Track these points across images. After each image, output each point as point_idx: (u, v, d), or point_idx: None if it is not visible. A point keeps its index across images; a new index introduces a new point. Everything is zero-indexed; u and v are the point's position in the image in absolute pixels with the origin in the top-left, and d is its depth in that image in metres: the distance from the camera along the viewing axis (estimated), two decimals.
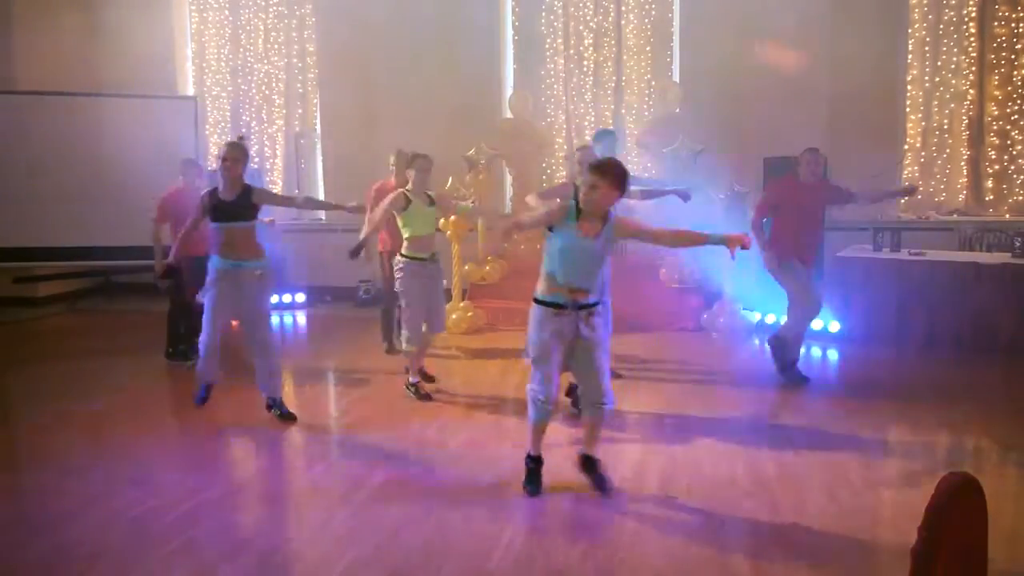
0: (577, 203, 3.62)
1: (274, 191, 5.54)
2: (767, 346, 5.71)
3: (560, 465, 4.19)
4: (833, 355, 6.58)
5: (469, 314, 7.57)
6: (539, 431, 3.80)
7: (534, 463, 3.83)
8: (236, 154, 4.74)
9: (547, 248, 3.67)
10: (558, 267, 3.60)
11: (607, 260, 3.72)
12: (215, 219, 4.74)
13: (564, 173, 8.73)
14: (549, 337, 3.61)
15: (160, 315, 6.61)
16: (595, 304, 3.67)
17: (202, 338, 4.94)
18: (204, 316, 4.87)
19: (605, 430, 4.71)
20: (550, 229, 3.63)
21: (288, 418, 4.89)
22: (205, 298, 4.83)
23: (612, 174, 3.55)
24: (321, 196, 9.94)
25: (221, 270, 4.76)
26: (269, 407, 4.95)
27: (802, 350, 5.83)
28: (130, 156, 8.86)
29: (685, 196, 5.49)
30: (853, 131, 7.97)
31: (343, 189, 9.57)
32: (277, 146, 9.98)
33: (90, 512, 3.68)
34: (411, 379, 5.34)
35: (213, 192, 4.78)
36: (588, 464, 3.82)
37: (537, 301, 3.68)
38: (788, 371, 5.60)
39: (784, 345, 5.58)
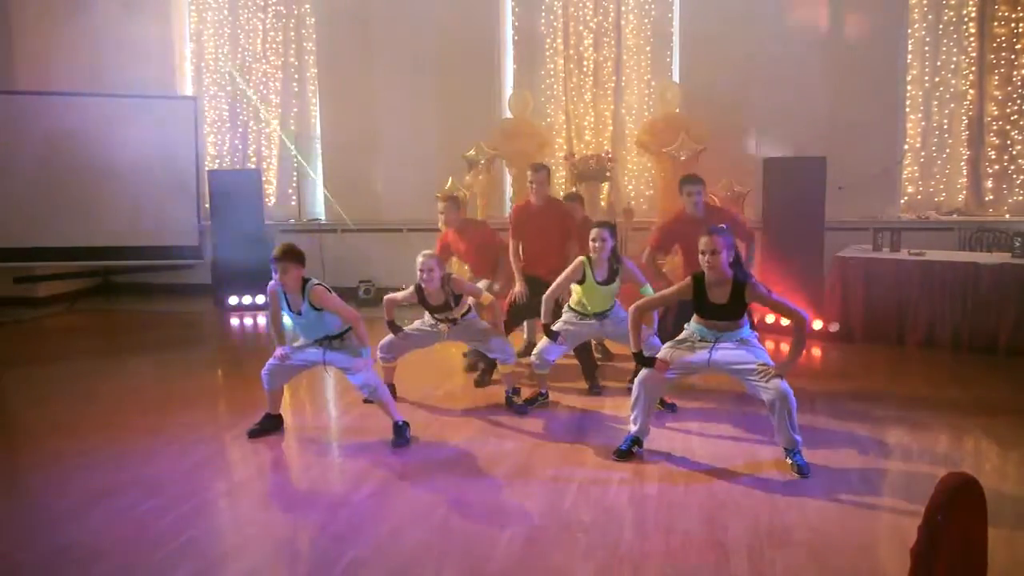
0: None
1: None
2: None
3: (561, 462, 4.20)
4: (833, 355, 6.58)
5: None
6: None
7: None
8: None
9: None
10: None
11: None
12: None
13: (563, 173, 8.73)
14: None
15: (159, 315, 6.62)
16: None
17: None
18: None
19: (603, 434, 4.73)
20: None
21: None
22: None
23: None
24: (319, 195, 9.96)
25: None
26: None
27: None
28: (130, 156, 8.89)
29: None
30: (853, 131, 7.98)
31: (341, 189, 9.62)
32: (274, 146, 9.98)
33: (90, 512, 3.68)
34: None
35: None
36: None
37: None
38: None
39: None
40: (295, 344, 4.75)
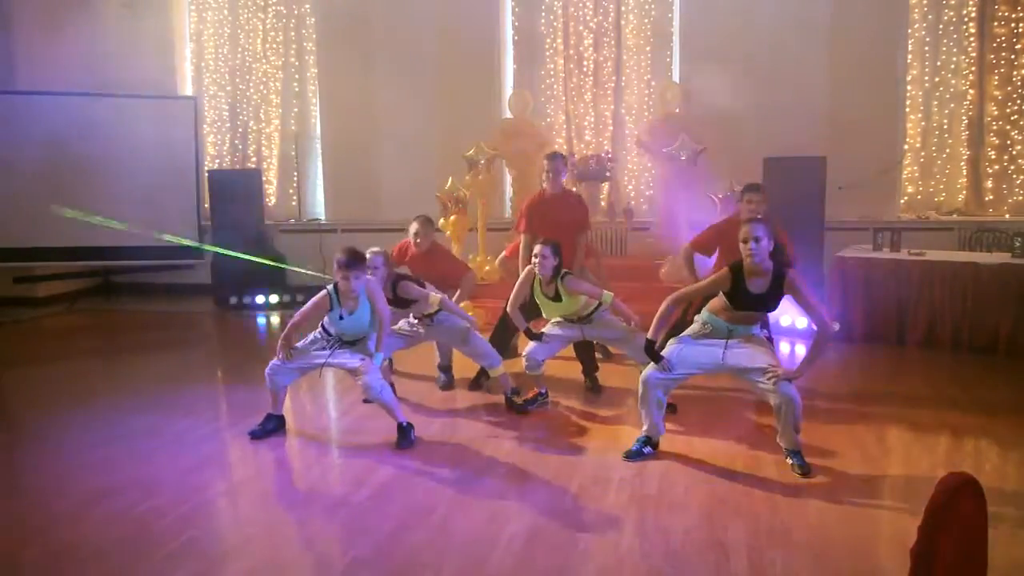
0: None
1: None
2: None
3: (561, 462, 4.20)
4: (833, 355, 6.58)
5: (469, 314, 7.54)
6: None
7: None
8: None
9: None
10: None
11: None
12: None
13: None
14: None
15: (159, 315, 6.61)
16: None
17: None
18: None
19: (603, 434, 4.74)
20: None
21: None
22: None
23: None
24: (320, 196, 9.98)
25: None
26: None
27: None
28: (130, 156, 8.89)
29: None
30: (853, 131, 7.98)
31: (341, 189, 9.63)
32: (274, 146, 9.99)
33: (90, 512, 3.68)
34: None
35: None
36: None
37: None
38: None
39: None
40: (298, 344, 4.72)
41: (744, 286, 4.06)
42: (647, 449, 4.28)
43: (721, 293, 4.15)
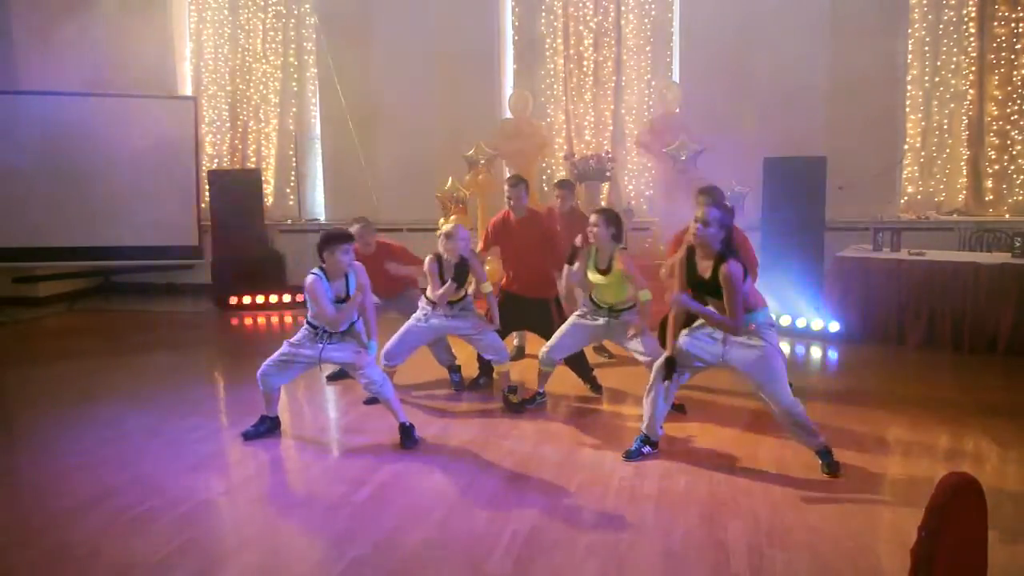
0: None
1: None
2: None
3: (561, 462, 4.20)
4: (833, 355, 6.58)
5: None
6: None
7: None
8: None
9: None
10: None
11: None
12: None
13: (563, 173, 8.73)
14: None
15: (159, 315, 6.62)
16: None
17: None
18: None
19: (602, 434, 4.74)
20: None
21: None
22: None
23: None
24: (320, 196, 9.98)
25: None
26: None
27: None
28: (130, 156, 8.90)
29: None
30: (853, 131, 7.98)
31: (341, 189, 9.63)
32: (273, 146, 9.98)
33: (90, 512, 3.68)
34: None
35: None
36: None
37: None
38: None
39: None
40: (292, 341, 4.64)
41: (696, 268, 4.00)
42: (646, 448, 4.27)
43: None
